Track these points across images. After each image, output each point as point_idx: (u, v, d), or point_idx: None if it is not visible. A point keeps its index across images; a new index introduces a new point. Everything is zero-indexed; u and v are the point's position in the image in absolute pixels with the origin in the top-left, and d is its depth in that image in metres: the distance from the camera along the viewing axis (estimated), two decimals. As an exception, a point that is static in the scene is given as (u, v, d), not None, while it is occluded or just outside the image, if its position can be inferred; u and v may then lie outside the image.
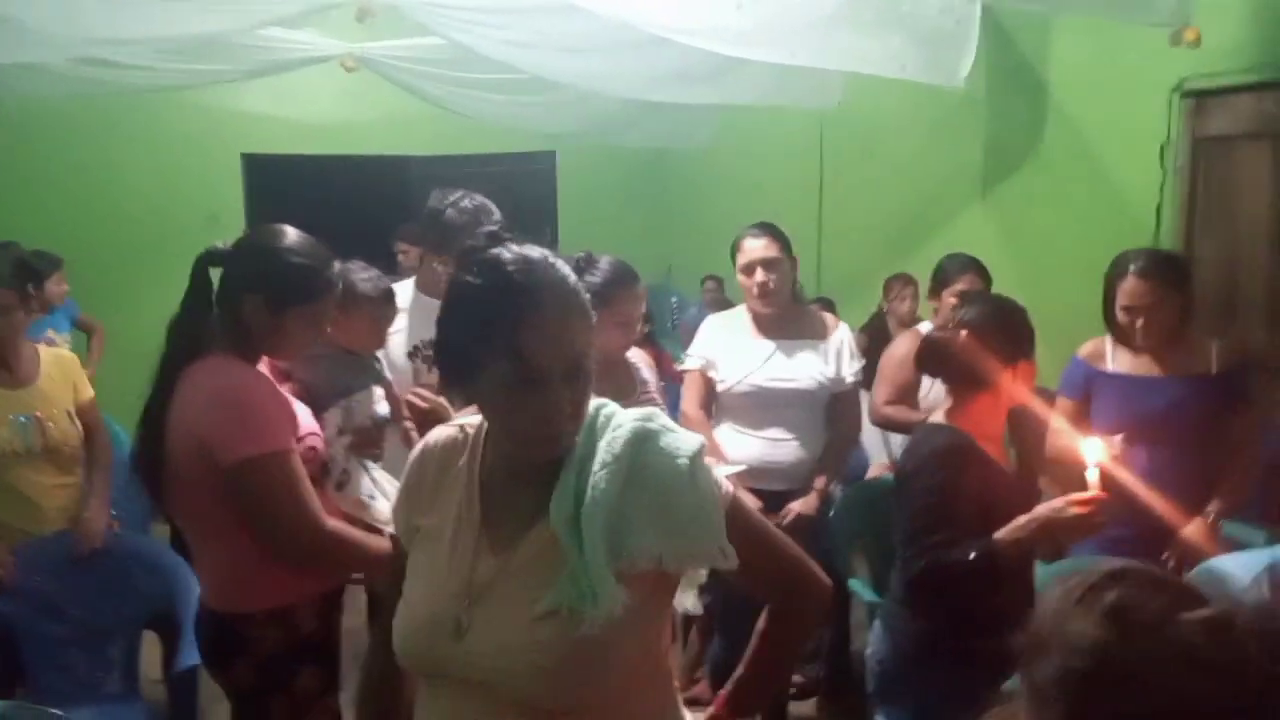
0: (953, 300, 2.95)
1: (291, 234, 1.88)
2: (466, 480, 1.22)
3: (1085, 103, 3.81)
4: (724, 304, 5.64)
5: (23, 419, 2.62)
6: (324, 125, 6.70)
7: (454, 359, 1.18)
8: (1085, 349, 2.65)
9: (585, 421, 1.18)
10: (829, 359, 2.77)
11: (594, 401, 1.20)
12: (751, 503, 2.56)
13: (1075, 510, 1.77)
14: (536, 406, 1.11)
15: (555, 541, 1.13)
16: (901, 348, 3.04)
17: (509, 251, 1.18)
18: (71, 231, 5.81)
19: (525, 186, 7.20)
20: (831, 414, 2.80)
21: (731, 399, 2.79)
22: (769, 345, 2.76)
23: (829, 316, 2.94)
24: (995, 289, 3.02)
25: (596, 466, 1.14)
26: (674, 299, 7.17)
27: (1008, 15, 3.91)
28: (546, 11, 3.66)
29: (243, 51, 4.47)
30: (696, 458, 1.17)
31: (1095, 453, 1.77)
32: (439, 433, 1.29)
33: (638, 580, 1.13)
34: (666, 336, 6.40)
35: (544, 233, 5.87)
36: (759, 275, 2.72)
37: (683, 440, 1.19)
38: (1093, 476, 1.76)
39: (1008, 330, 2.02)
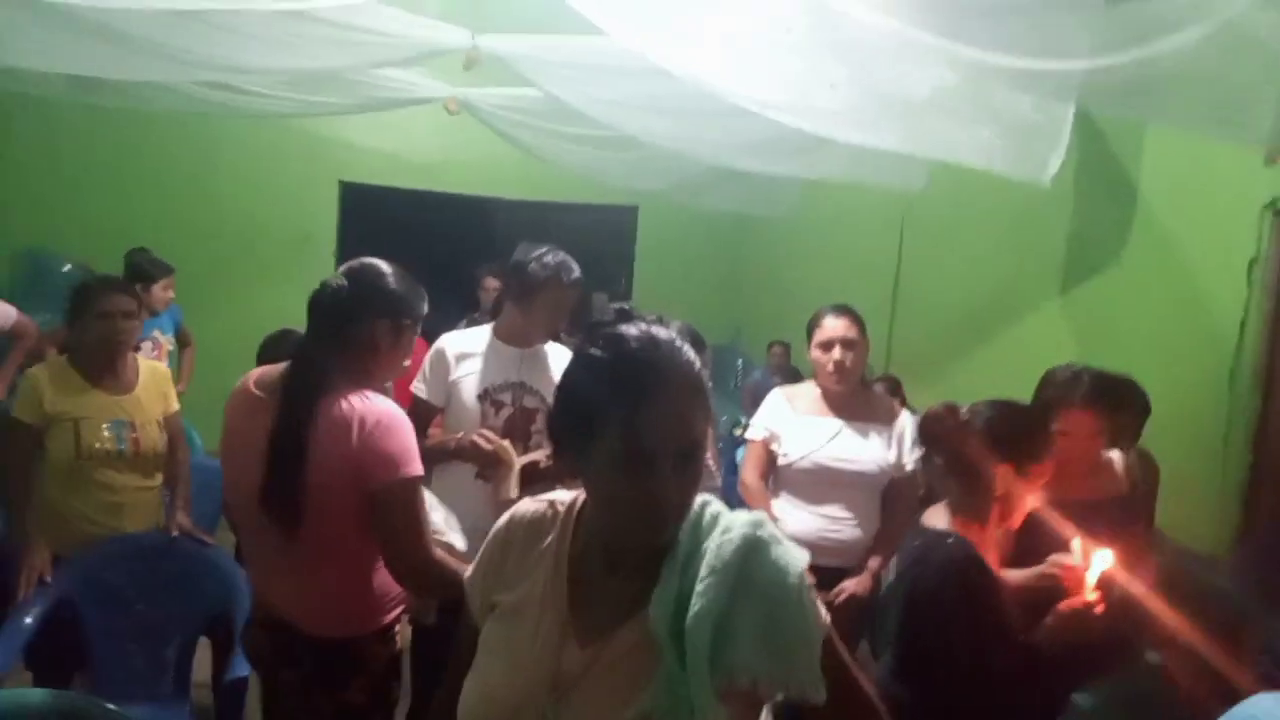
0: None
1: (389, 265, 2.05)
2: (554, 561, 1.18)
3: (1174, 209, 3.77)
4: (789, 370, 5.66)
5: (118, 423, 2.77)
6: (420, 161, 6.95)
7: (568, 429, 1.15)
8: None
9: (690, 517, 1.15)
10: (891, 444, 2.78)
11: (699, 497, 1.17)
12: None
13: (1100, 608, 1.85)
14: (645, 489, 1.08)
15: (649, 640, 1.09)
16: None
17: (636, 328, 1.17)
18: (170, 239, 6.10)
19: (606, 237, 7.37)
20: (888, 498, 2.81)
21: (792, 473, 2.81)
22: (835, 424, 2.79)
23: (895, 401, 2.96)
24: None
25: (704, 572, 1.10)
26: (740, 361, 7.20)
27: (1102, 114, 3.91)
28: (640, 74, 3.76)
29: (354, 86, 4.70)
30: (804, 576, 1.13)
31: (1104, 561, 1.91)
32: (526, 507, 1.26)
33: (731, 698, 1.08)
34: (728, 397, 6.44)
35: (619, 284, 6.03)
36: (836, 353, 2.76)
37: (791, 555, 1.14)
38: (1093, 580, 1.90)
39: (1041, 456, 2.01)
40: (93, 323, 2.76)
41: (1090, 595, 1.88)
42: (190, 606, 2.76)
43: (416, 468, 1.88)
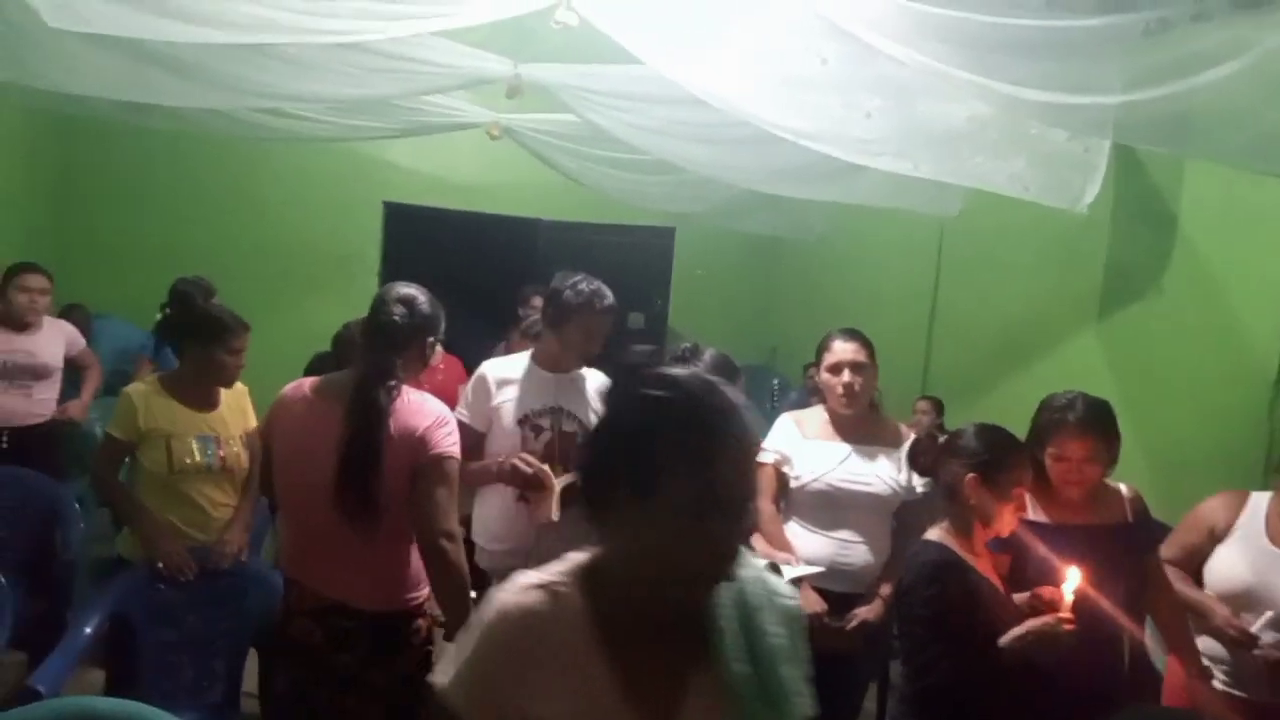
0: None
1: (424, 290, 2.41)
2: (584, 655, 1.07)
3: (1214, 239, 3.76)
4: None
5: (207, 440, 2.92)
6: (462, 182, 7.08)
7: (618, 474, 1.07)
8: None
9: None
10: (901, 466, 2.79)
11: None
12: (817, 603, 2.63)
13: (1067, 627, 1.99)
14: (718, 536, 1.04)
15: (720, 697, 1.08)
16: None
17: (685, 370, 1.14)
18: (219, 258, 6.27)
19: (643, 259, 7.42)
20: (900, 521, 2.81)
21: (804, 496, 2.81)
22: (845, 447, 2.81)
23: (902, 425, 2.97)
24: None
25: (769, 619, 1.12)
26: (775, 381, 7.22)
27: (1138, 148, 3.91)
28: (677, 103, 3.84)
29: (400, 111, 4.82)
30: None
31: (1074, 580, 2.05)
32: (514, 600, 1.11)
33: None
34: (765, 418, 6.45)
35: (655, 305, 6.09)
36: (846, 376, 2.78)
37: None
38: (1069, 600, 2.03)
39: (1008, 468, 2.17)
40: (222, 355, 2.92)
41: (1064, 614, 2.03)
42: (240, 619, 2.85)
43: (456, 450, 2.24)
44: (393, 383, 2.21)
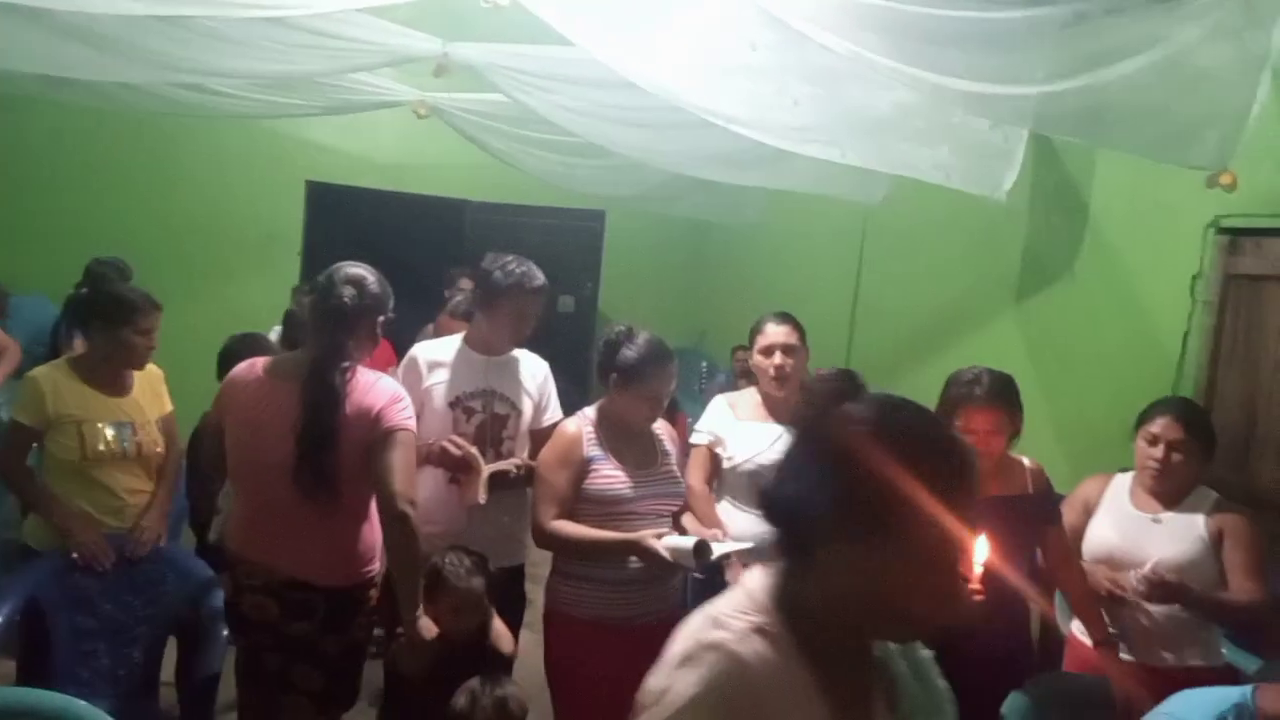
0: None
1: (370, 270, 2.46)
2: (806, 699, 1.01)
3: (1123, 227, 3.92)
4: (752, 374, 5.74)
5: (121, 425, 2.82)
6: (387, 162, 6.96)
7: (853, 515, 1.00)
8: None
9: None
10: None
11: None
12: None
13: (977, 596, 2.03)
14: (948, 578, 1.01)
15: None
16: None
17: (888, 397, 1.09)
18: (136, 237, 6.06)
19: (573, 241, 7.41)
20: None
21: (736, 477, 2.86)
22: (777, 428, 2.85)
23: None
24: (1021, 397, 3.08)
25: (931, 667, 1.17)
26: (704, 364, 7.29)
27: (1055, 137, 4.05)
28: (606, 85, 3.83)
29: (324, 88, 4.71)
30: None
31: (981, 549, 2.08)
32: (738, 650, 1.00)
33: None
34: (693, 400, 6.51)
35: (587, 287, 6.08)
36: (777, 359, 2.83)
37: None
38: (978, 569, 2.07)
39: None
40: (131, 336, 2.81)
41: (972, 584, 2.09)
42: (157, 606, 2.78)
43: (412, 424, 2.30)
44: (346, 364, 2.29)
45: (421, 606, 2.26)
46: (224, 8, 2.82)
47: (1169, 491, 2.58)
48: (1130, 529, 2.60)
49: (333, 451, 2.22)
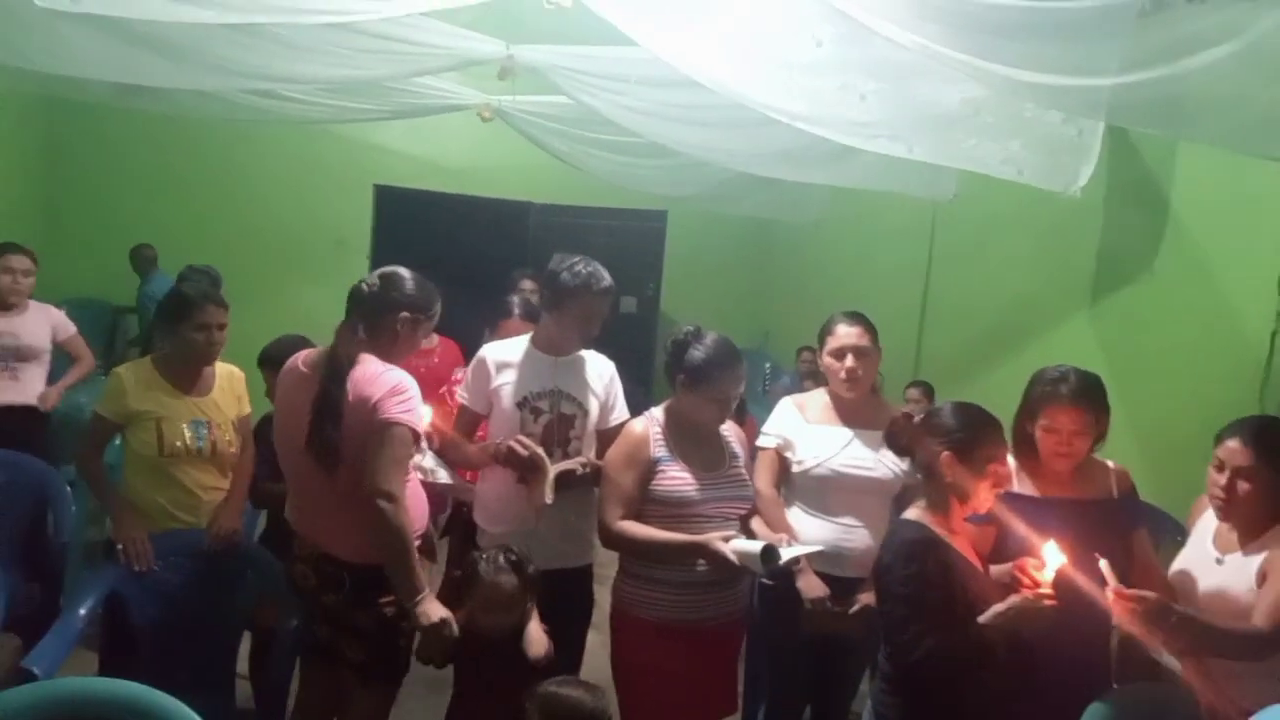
0: None
1: (411, 271, 2.53)
2: None
3: (1206, 223, 3.77)
4: (818, 376, 5.67)
5: (198, 424, 2.90)
6: (453, 165, 7.06)
7: None
8: None
9: None
10: None
11: None
12: (820, 587, 2.64)
13: (1049, 602, 2.02)
14: None
15: None
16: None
17: None
18: (208, 241, 6.26)
19: (635, 241, 7.43)
20: (901, 505, 2.80)
21: (806, 481, 2.79)
22: (847, 432, 2.79)
23: (903, 410, 2.98)
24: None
25: None
26: (768, 365, 7.24)
27: (1132, 130, 3.92)
28: (669, 85, 3.83)
29: (391, 93, 4.80)
30: None
31: (1055, 556, 2.07)
32: None
33: None
34: (757, 402, 6.47)
35: (648, 288, 6.06)
36: (849, 361, 2.77)
37: None
38: (1049, 576, 2.06)
39: (983, 445, 2.19)
40: (190, 333, 2.88)
41: (1044, 589, 2.06)
42: (233, 602, 2.86)
43: (406, 419, 2.33)
44: (353, 351, 2.40)
45: (428, 593, 2.32)
46: (293, 14, 2.88)
47: (1242, 527, 2.30)
48: (1195, 567, 2.40)
49: (337, 425, 2.32)
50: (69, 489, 3.41)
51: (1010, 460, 2.51)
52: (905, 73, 3.09)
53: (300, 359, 2.52)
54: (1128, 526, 2.48)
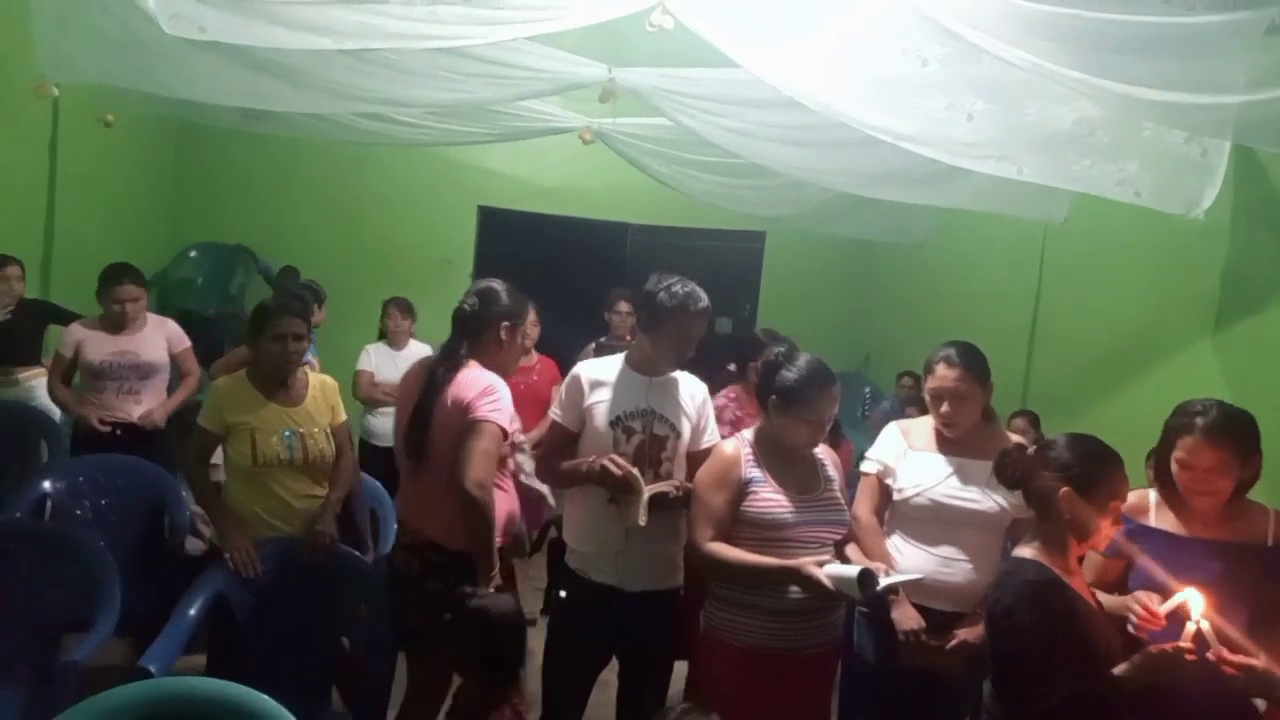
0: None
1: (503, 283, 2.80)
2: None
3: (1342, 246, 3.55)
4: (919, 402, 5.52)
5: (289, 434, 2.99)
6: (553, 187, 7.17)
7: None
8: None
9: None
10: None
11: None
12: (915, 619, 2.55)
13: (1190, 656, 1.88)
14: None
15: None
16: None
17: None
18: (323, 259, 6.50)
19: (733, 262, 7.41)
20: (1011, 540, 2.69)
21: (907, 509, 2.72)
22: (952, 461, 2.71)
23: (1015, 439, 2.85)
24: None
25: None
26: (867, 389, 7.09)
27: (1262, 149, 3.71)
28: (771, 105, 3.80)
29: (495, 116, 4.92)
30: None
31: (1198, 606, 1.94)
32: None
33: None
34: (855, 427, 6.34)
35: (745, 309, 6.02)
36: (945, 408, 2.69)
37: None
38: (1192, 628, 1.92)
39: (1105, 480, 2.05)
40: (267, 344, 2.98)
41: (1184, 644, 1.92)
42: (335, 610, 2.93)
43: (495, 417, 2.57)
44: (454, 360, 2.66)
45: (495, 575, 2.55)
46: (404, 40, 2.98)
47: None
48: None
49: (427, 430, 2.60)
50: (185, 494, 3.56)
51: (1151, 494, 2.41)
52: (1015, 92, 3.00)
53: (424, 360, 2.83)
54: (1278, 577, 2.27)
